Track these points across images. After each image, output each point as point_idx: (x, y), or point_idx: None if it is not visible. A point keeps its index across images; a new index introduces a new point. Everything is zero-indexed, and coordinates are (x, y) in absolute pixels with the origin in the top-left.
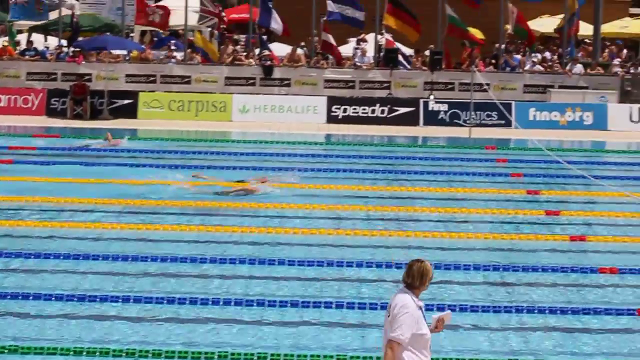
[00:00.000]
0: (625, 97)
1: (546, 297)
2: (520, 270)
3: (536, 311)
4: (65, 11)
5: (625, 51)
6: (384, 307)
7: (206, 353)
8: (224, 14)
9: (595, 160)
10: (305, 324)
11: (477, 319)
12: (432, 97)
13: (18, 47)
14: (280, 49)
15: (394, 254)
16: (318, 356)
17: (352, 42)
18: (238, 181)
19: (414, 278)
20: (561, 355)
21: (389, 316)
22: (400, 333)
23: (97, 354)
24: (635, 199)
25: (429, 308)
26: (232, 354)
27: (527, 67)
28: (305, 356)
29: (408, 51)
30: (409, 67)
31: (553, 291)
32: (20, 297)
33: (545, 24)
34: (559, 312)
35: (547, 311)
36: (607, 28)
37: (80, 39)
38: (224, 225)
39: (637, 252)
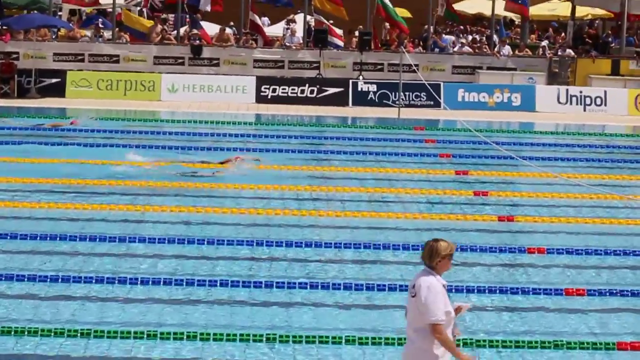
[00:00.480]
0: (552, 79)
1: (475, 277)
2: None
3: (465, 291)
4: None
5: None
6: (313, 286)
7: (135, 332)
8: None
9: (524, 141)
10: (237, 303)
11: (398, 297)
12: (361, 77)
13: None
14: (209, 28)
15: (324, 233)
16: (248, 335)
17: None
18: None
19: (424, 257)
20: (491, 335)
21: (413, 296)
22: (439, 316)
23: (26, 333)
24: (562, 179)
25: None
26: (162, 333)
27: (455, 49)
28: (235, 335)
29: (339, 31)
30: (341, 45)
31: (482, 271)
32: None
33: (474, 5)
34: (487, 291)
35: (475, 291)
36: (536, 10)
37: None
38: (152, 205)
39: (565, 232)
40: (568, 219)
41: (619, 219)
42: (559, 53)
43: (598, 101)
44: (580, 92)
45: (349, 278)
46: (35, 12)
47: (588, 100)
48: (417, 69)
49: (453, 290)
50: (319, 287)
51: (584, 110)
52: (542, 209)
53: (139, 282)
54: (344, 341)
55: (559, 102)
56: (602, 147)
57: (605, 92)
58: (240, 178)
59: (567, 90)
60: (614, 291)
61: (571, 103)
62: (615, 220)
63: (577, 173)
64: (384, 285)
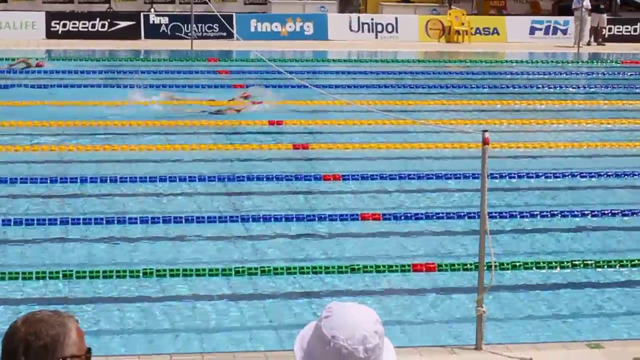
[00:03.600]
0: (344, 7)
1: (271, 205)
2: (245, 179)
3: (262, 219)
4: None
5: None
6: (110, 221)
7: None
8: None
9: (317, 70)
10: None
11: (203, 229)
12: (153, 10)
13: None
14: None
15: (120, 168)
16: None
17: None
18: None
19: None
20: (290, 262)
21: None
22: None
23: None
24: (356, 106)
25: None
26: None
27: None
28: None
29: None
30: None
31: (279, 199)
32: None
33: None
34: (284, 219)
35: (272, 219)
36: None
37: None
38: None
39: (360, 158)
40: (362, 145)
41: (412, 143)
42: None
43: (389, 28)
44: (372, 19)
45: (148, 212)
46: None
47: (380, 28)
48: (209, 1)
49: (250, 220)
50: (115, 222)
51: (376, 37)
52: (337, 136)
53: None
54: (142, 274)
55: (351, 30)
56: (394, 73)
57: (396, 19)
58: (34, 116)
59: (358, 17)
60: (409, 214)
61: (363, 31)
62: (409, 145)
63: (370, 100)
64: (180, 217)
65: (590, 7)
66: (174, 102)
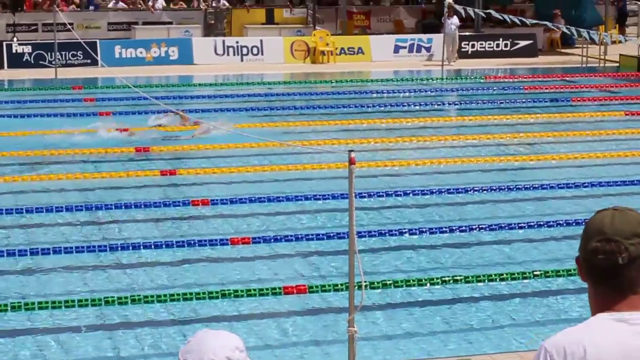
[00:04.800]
0: (209, 31)
1: (140, 232)
2: (112, 208)
3: (131, 248)
4: None
5: None
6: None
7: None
8: None
9: (183, 95)
10: None
11: (73, 259)
12: (15, 39)
13: None
14: None
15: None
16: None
17: None
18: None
19: None
20: (160, 289)
21: None
22: None
23: None
24: (223, 130)
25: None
26: None
27: (110, 5)
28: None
29: None
30: None
31: (147, 226)
32: None
33: None
34: (153, 247)
35: (141, 247)
36: None
37: None
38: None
39: (227, 182)
40: (230, 169)
41: (280, 165)
42: (214, 5)
43: (255, 50)
44: (237, 42)
45: (14, 245)
46: None
47: (245, 50)
48: (72, 28)
49: (119, 248)
50: None
51: (242, 60)
52: (204, 160)
53: None
54: (10, 307)
55: (216, 54)
56: (261, 95)
57: (261, 41)
58: None
59: (223, 41)
60: (279, 237)
61: (228, 54)
62: (277, 167)
63: (237, 123)
64: (48, 250)
65: (459, 24)
66: (127, 130)
